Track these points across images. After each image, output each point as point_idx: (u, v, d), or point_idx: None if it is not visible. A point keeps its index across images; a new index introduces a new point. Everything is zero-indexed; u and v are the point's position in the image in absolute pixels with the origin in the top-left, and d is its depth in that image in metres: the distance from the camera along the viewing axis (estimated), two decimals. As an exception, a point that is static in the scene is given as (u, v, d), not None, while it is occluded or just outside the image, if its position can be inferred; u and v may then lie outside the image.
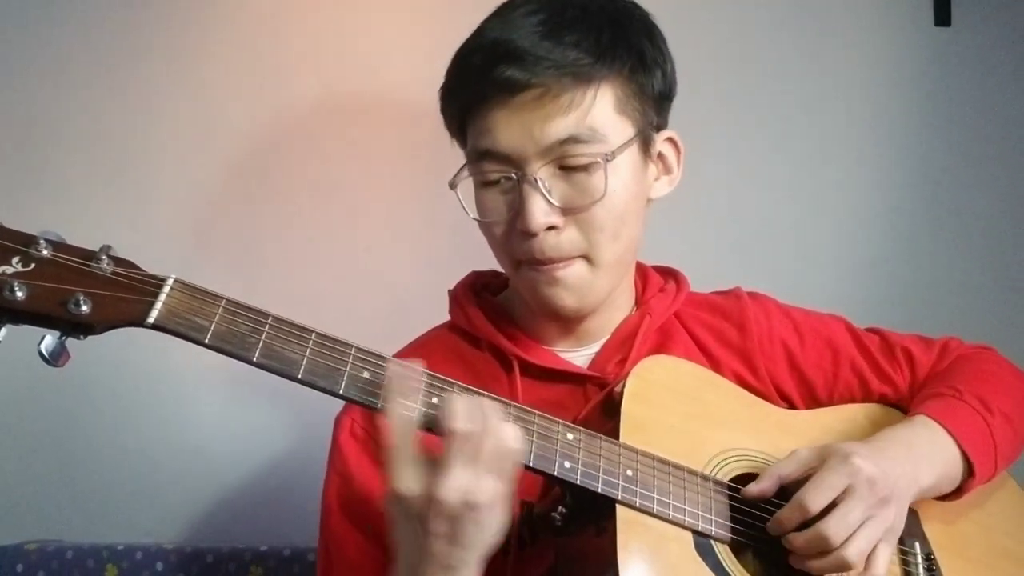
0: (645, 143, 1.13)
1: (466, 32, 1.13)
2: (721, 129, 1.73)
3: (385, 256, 1.74)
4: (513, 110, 1.06)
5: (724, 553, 1.02)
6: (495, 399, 0.95)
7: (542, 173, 1.07)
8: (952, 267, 1.76)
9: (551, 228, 1.08)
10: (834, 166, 1.77)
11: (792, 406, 1.24)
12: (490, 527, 0.88)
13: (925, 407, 1.16)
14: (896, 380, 1.26)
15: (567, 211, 1.08)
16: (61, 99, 1.72)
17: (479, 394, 0.94)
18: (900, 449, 1.09)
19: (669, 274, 1.29)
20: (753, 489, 1.05)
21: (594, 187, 1.08)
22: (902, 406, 1.24)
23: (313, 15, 1.73)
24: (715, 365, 1.21)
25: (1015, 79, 1.75)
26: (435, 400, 0.92)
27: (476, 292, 1.25)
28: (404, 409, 0.88)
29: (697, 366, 1.18)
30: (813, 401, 1.25)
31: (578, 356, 1.20)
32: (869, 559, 1.01)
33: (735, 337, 1.24)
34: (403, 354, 0.94)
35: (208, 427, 1.72)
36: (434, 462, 0.86)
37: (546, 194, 1.07)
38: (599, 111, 1.08)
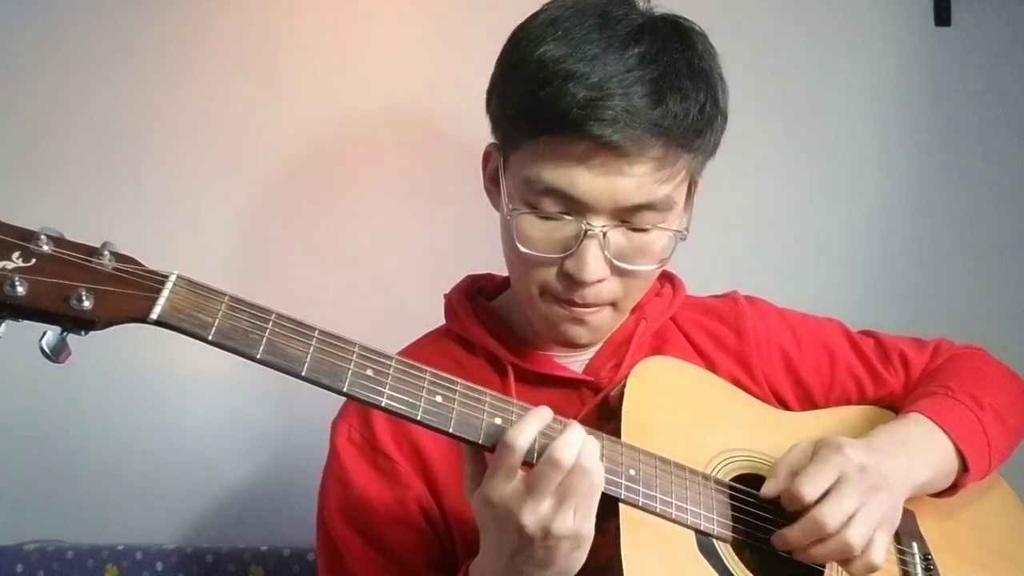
0: (690, 198, 1.12)
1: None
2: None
3: (385, 256, 1.73)
4: (602, 166, 1.01)
5: (727, 552, 1.02)
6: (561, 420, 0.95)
7: (608, 228, 1.04)
8: (952, 268, 1.75)
9: (599, 280, 1.06)
10: (833, 167, 1.76)
11: (788, 409, 1.23)
12: (567, 558, 0.90)
13: (918, 405, 1.17)
14: (891, 382, 1.27)
15: (617, 267, 1.06)
16: (61, 97, 1.72)
17: (589, 431, 0.94)
18: (893, 445, 1.09)
19: (666, 278, 1.27)
20: (770, 488, 1.04)
21: (654, 254, 1.07)
22: (897, 407, 1.24)
23: (314, 16, 1.73)
24: (711, 368, 1.21)
25: (1015, 79, 1.75)
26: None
27: (471, 297, 1.23)
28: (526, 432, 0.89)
29: (695, 367, 1.18)
30: (809, 404, 1.25)
31: (573, 361, 1.19)
32: (867, 546, 1.00)
33: (732, 341, 1.23)
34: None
35: (208, 427, 1.72)
36: (527, 482, 0.88)
37: (605, 248, 1.04)
38: (682, 181, 1.07)
